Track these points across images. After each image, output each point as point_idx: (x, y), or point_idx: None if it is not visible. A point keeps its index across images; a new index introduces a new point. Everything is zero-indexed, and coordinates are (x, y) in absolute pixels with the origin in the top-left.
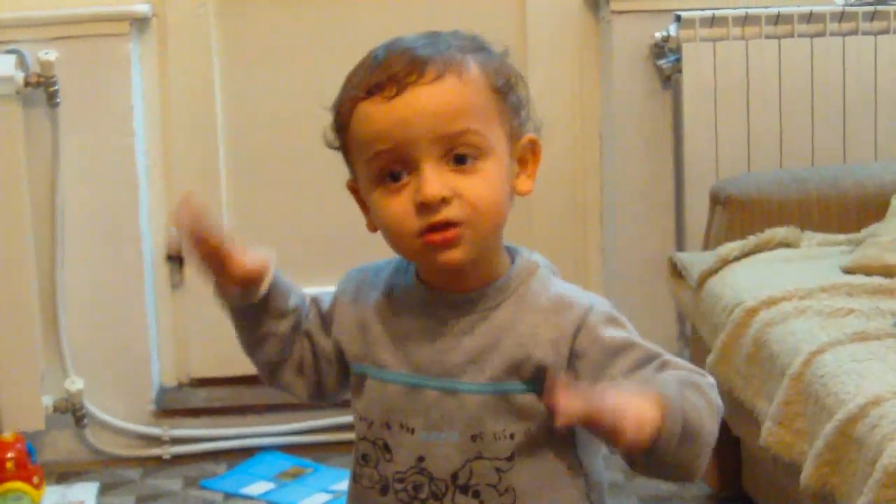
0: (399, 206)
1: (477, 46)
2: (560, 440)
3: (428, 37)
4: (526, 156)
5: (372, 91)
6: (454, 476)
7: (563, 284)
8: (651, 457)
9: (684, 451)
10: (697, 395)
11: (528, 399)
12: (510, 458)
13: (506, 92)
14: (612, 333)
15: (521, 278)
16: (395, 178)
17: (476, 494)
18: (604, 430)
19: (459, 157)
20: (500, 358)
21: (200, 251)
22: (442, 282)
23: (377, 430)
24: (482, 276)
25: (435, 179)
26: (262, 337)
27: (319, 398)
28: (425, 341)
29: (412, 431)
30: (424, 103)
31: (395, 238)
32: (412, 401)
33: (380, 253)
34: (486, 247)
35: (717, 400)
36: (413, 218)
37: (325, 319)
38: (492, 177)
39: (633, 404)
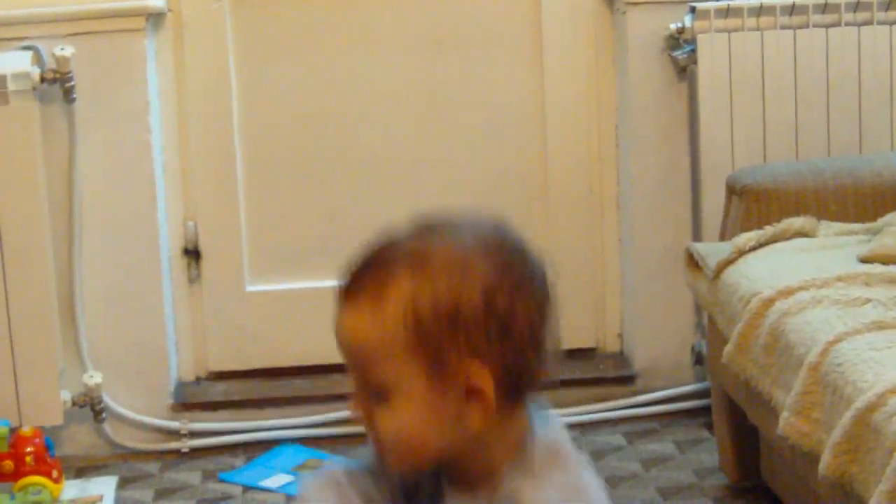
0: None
1: (481, 254)
2: None
3: (386, 248)
4: (479, 387)
5: (336, 299)
6: None
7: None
8: None
9: None
10: None
11: None
12: None
13: (435, 324)
14: None
15: (512, 488)
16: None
17: None
18: None
19: (372, 386)
20: None
21: None
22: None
23: None
24: (472, 472)
25: (353, 408)
26: None
27: None
28: None
29: None
30: (341, 328)
31: None
32: None
33: None
34: (420, 467)
35: None
36: None
37: None
38: (399, 414)
39: None
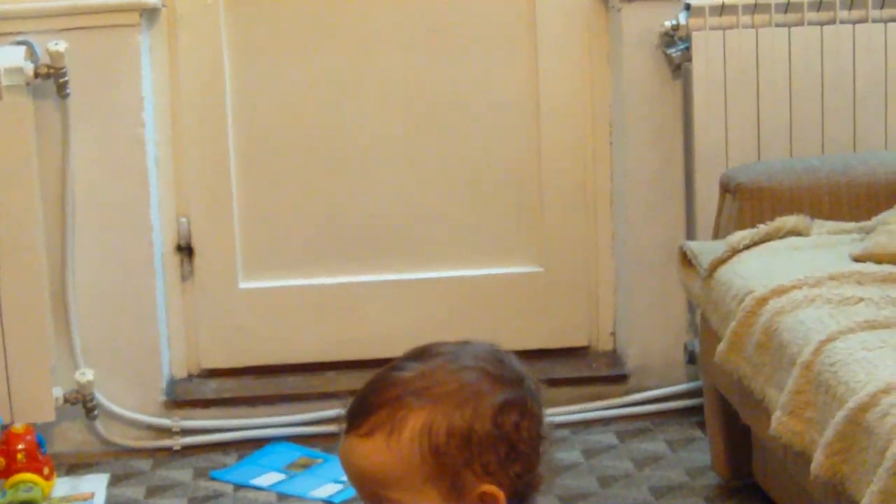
0: None
1: (488, 384)
2: None
3: (417, 364)
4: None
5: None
6: None
7: None
8: None
9: None
10: None
11: None
12: None
13: (450, 449)
14: None
15: None
16: None
17: None
18: None
19: None
20: None
21: None
22: None
23: None
24: None
25: None
26: None
27: None
28: None
29: None
30: (350, 458)
31: None
32: None
33: (389, 242)
34: None
35: None
36: None
37: None
38: None
39: None
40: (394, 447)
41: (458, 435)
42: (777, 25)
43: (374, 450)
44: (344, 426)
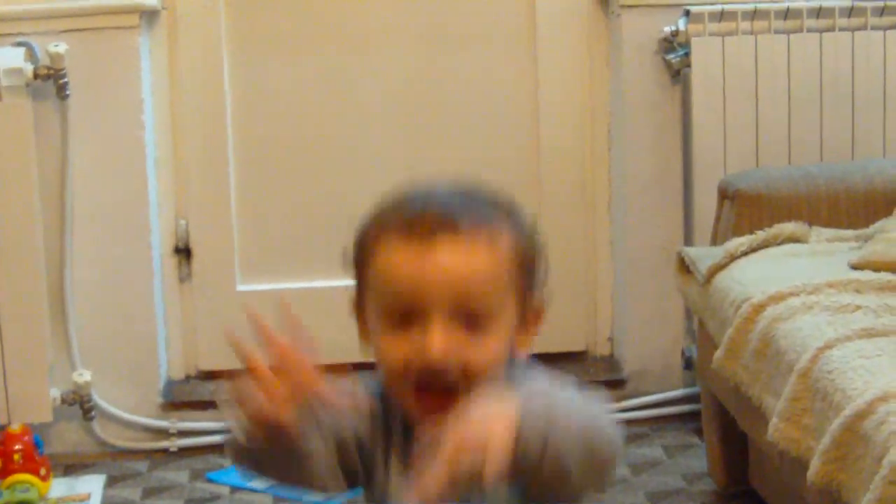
0: (400, 351)
1: (509, 214)
2: None
3: (463, 195)
4: (531, 320)
5: (404, 238)
6: None
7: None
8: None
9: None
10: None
11: None
12: None
13: (527, 264)
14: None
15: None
16: (404, 320)
17: None
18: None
19: (471, 317)
20: None
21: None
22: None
23: None
24: None
25: (442, 341)
26: (306, 455)
27: (352, 487)
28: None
29: None
30: (452, 263)
31: (388, 379)
32: None
33: None
34: (486, 388)
35: (599, 439)
36: (411, 368)
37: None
38: (497, 341)
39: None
40: (495, 251)
41: (530, 251)
42: (776, 32)
43: (479, 253)
44: (421, 240)
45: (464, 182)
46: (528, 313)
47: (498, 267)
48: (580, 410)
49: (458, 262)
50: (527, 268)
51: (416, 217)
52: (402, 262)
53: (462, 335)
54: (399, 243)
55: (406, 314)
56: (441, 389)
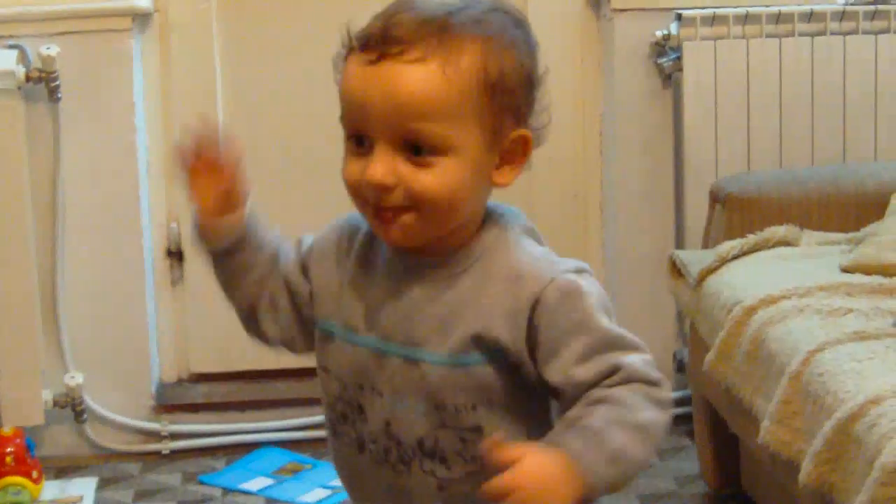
0: (357, 171)
1: (496, 31)
2: (527, 411)
3: (448, 8)
4: (515, 149)
5: (360, 45)
6: (420, 442)
7: (531, 251)
8: None
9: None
10: (625, 433)
11: (488, 371)
12: (475, 429)
13: (506, 88)
14: (567, 312)
15: (487, 245)
16: (358, 142)
17: (443, 460)
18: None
19: (415, 147)
20: (461, 329)
21: (201, 160)
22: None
23: (351, 391)
24: (448, 243)
25: (380, 165)
26: (243, 269)
27: (290, 344)
28: (392, 306)
29: (381, 395)
30: (393, 85)
31: (352, 198)
32: (379, 366)
33: None
34: (443, 231)
35: (658, 416)
36: (361, 188)
37: (304, 262)
38: (448, 173)
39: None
40: (451, 76)
41: (511, 75)
42: (768, 36)
43: (429, 77)
44: (371, 51)
45: None
46: (506, 142)
47: (445, 91)
48: (633, 435)
49: (399, 83)
50: (504, 91)
51: (372, 34)
52: (354, 75)
53: (404, 161)
54: (354, 63)
55: (358, 136)
56: (389, 209)
